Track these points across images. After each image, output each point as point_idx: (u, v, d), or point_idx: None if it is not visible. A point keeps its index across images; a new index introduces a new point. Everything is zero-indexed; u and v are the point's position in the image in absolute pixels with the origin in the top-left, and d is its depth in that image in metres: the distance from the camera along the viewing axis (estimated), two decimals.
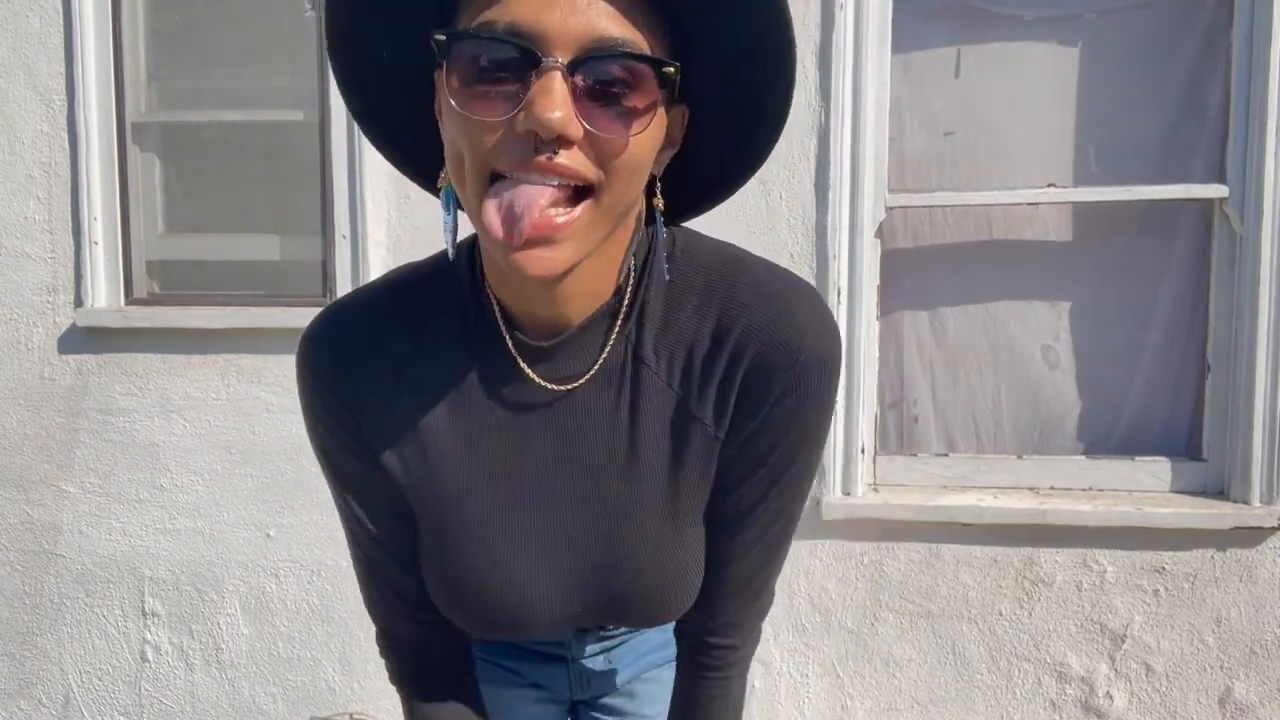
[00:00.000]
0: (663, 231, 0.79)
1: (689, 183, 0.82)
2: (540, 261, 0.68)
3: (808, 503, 2.41)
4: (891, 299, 2.51)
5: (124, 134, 2.68)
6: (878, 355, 2.49)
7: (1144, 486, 2.43)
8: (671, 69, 0.68)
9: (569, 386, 0.82)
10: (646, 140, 0.70)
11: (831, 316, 0.83)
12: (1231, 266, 2.33)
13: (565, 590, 0.86)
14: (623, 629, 1.06)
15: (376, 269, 2.56)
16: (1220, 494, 2.38)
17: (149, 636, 2.75)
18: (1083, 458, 2.47)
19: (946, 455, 2.52)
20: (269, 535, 2.67)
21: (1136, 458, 2.44)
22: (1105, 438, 2.49)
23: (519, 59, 0.65)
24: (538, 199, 0.66)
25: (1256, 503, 2.31)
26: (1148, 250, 2.43)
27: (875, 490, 2.49)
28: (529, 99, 0.65)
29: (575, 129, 0.65)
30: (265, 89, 2.68)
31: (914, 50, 2.46)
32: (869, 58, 2.36)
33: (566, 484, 0.84)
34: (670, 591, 0.87)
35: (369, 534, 0.89)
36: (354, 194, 2.55)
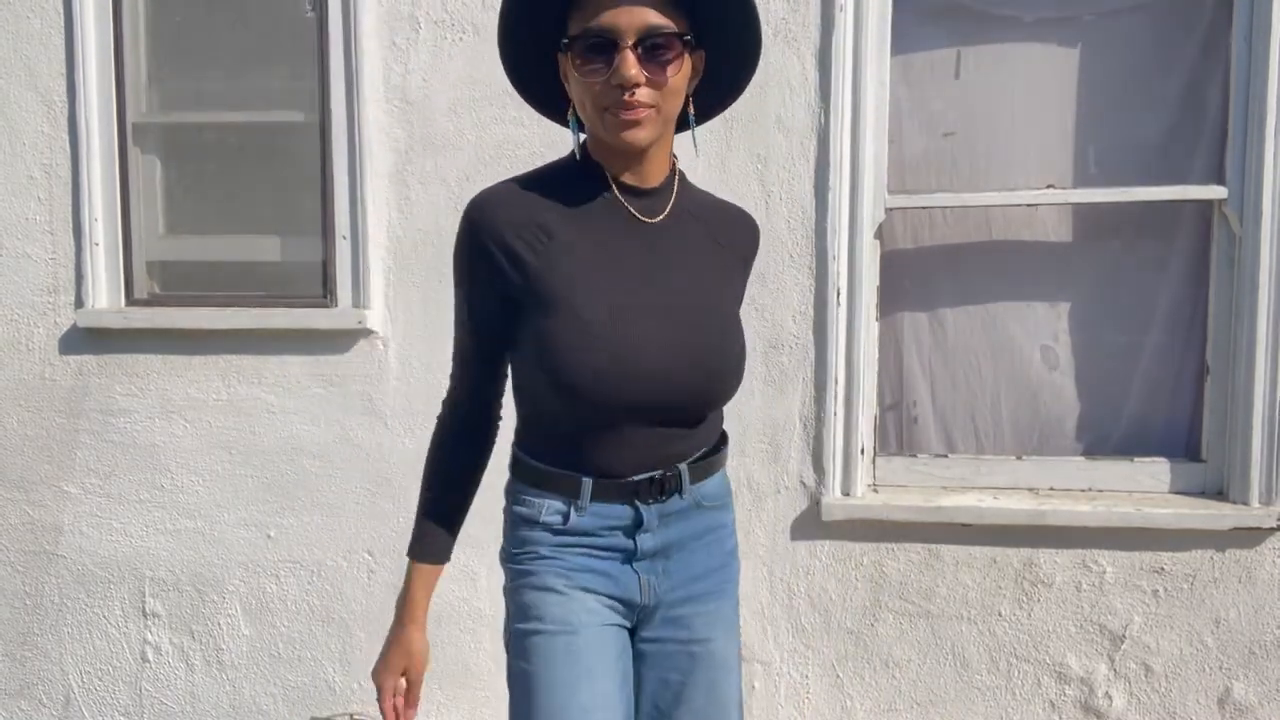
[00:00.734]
0: (693, 122, 1.33)
1: (708, 98, 1.34)
2: (635, 135, 1.21)
3: (808, 503, 2.43)
4: (891, 300, 2.51)
5: (125, 135, 2.68)
6: (877, 356, 2.49)
7: (1143, 487, 2.43)
8: (690, 37, 1.21)
9: (654, 220, 1.31)
10: (680, 78, 1.22)
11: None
12: (1231, 268, 2.34)
13: (664, 342, 1.25)
14: (674, 500, 1.33)
15: (376, 270, 2.56)
16: (1219, 495, 2.38)
17: (149, 637, 2.75)
18: (1082, 458, 2.47)
19: (946, 456, 2.52)
20: (269, 536, 2.67)
21: (1136, 458, 2.44)
22: (1104, 438, 2.49)
23: (607, 44, 1.18)
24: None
25: (1255, 503, 2.31)
26: (1147, 251, 2.44)
27: (875, 491, 2.49)
28: (615, 67, 1.17)
29: (641, 78, 1.18)
30: (266, 90, 2.68)
31: (914, 52, 2.46)
32: (869, 59, 2.37)
33: (663, 273, 1.29)
34: (738, 366, 1.33)
35: (471, 324, 1.32)
36: (354, 195, 2.55)
